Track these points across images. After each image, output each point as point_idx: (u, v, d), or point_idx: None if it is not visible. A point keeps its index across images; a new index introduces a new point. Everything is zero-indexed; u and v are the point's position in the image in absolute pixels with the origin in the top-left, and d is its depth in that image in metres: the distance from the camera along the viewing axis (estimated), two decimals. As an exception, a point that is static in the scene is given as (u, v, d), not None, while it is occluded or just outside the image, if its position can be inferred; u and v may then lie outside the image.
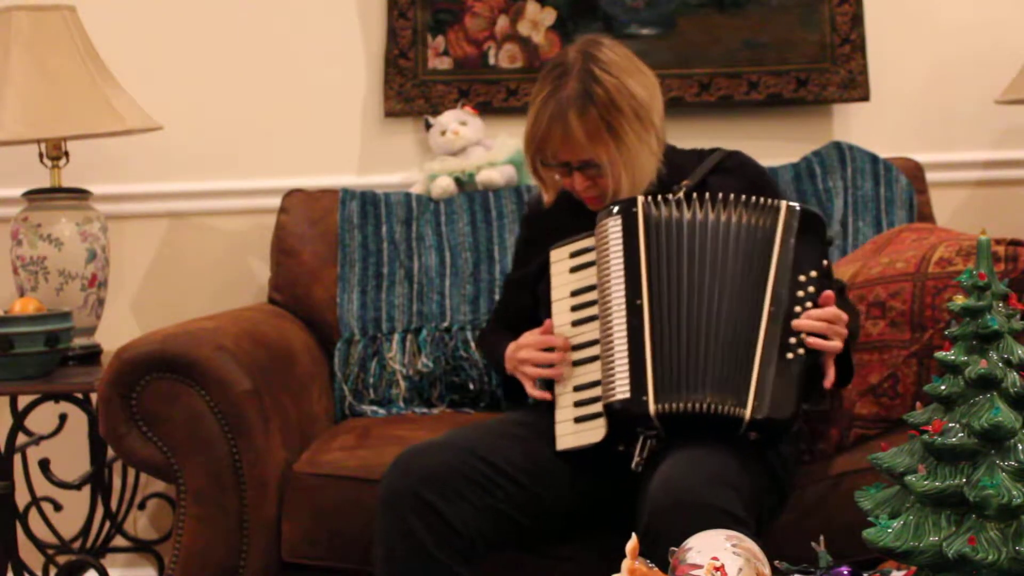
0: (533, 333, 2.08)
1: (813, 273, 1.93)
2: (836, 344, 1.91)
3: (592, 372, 1.97)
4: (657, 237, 1.96)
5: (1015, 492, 1.20)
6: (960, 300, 1.27)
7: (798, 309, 1.91)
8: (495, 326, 2.34)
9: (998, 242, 2.09)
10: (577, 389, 1.99)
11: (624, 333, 1.92)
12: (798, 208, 1.96)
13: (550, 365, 2.03)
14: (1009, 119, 2.99)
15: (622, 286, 1.94)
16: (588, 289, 2.02)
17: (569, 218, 2.12)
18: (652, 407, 1.88)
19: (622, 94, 2.01)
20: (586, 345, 2.00)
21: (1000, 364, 1.25)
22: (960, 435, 1.24)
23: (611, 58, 2.05)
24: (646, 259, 1.95)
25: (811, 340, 1.89)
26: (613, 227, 1.98)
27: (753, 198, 1.97)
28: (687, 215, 1.97)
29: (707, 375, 1.90)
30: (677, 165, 2.12)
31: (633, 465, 1.90)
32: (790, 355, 1.89)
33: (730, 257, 1.95)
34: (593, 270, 2.01)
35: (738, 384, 1.88)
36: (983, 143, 3.01)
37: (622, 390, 1.89)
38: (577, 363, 2.01)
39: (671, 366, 1.90)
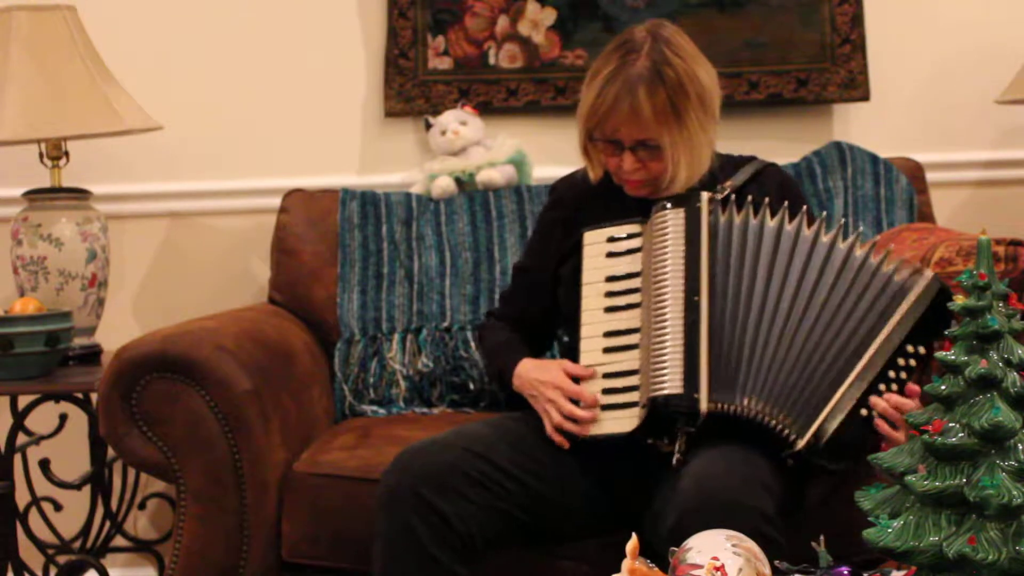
0: (565, 372, 2.00)
1: (922, 349, 1.89)
2: (900, 437, 1.84)
3: (625, 361, 1.95)
4: (725, 237, 1.94)
5: (1015, 492, 1.20)
6: (960, 300, 1.28)
7: (892, 375, 1.87)
8: (502, 321, 2.27)
9: (998, 242, 2.09)
10: (608, 376, 1.96)
11: (680, 326, 1.89)
12: (942, 284, 1.90)
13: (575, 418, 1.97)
14: (1009, 119, 2.99)
15: (680, 280, 1.92)
16: (628, 276, 1.99)
17: (603, 204, 2.10)
18: (704, 405, 1.85)
19: (691, 79, 1.99)
20: (620, 333, 1.97)
21: (1000, 364, 1.25)
22: (960, 435, 1.24)
23: (680, 42, 2.03)
24: (708, 257, 1.93)
25: (879, 423, 1.84)
26: (674, 220, 1.96)
27: (885, 252, 1.93)
28: (767, 222, 1.94)
29: (767, 386, 1.87)
30: (713, 166, 2.11)
31: (674, 461, 1.86)
32: (864, 412, 1.85)
33: (838, 288, 1.90)
34: (634, 258, 1.99)
35: (803, 410, 1.85)
36: (983, 143, 3.01)
37: (672, 384, 1.85)
38: (609, 350, 1.98)
39: (726, 366, 1.88)
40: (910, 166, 2.79)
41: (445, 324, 2.65)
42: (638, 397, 1.91)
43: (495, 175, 2.79)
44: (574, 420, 1.96)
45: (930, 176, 2.82)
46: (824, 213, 2.03)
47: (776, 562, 1.45)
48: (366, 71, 2.97)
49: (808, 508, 2.06)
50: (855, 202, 2.72)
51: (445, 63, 2.93)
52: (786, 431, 1.86)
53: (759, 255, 1.94)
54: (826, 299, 1.91)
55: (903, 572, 1.42)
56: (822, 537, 1.48)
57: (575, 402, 1.97)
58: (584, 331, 2.02)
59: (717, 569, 1.32)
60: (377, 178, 2.95)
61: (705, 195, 1.98)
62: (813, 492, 2.07)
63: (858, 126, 2.96)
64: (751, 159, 2.18)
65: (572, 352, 2.05)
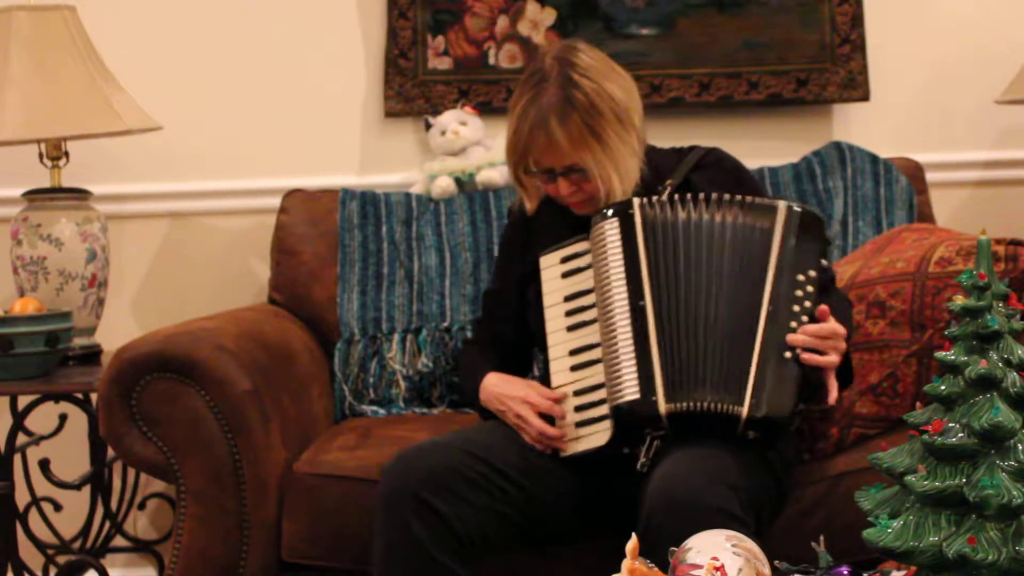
0: (538, 394, 2.01)
1: (812, 273, 1.93)
2: (833, 359, 1.90)
3: (592, 376, 1.97)
4: (655, 238, 1.96)
5: (1015, 492, 1.20)
6: (960, 300, 1.27)
7: (797, 308, 1.91)
8: (477, 344, 2.28)
9: (998, 242, 2.09)
10: (577, 394, 1.99)
11: (629, 335, 1.91)
12: (797, 208, 1.96)
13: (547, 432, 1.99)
14: (1009, 119, 2.99)
15: (624, 288, 1.94)
16: (583, 293, 2.01)
17: (553, 225, 2.12)
18: (663, 407, 1.87)
19: (602, 97, 2.01)
20: (584, 349, 1.99)
21: (1000, 364, 1.25)
22: (960, 435, 1.24)
23: (588, 62, 2.04)
24: (646, 261, 1.95)
25: (806, 356, 1.88)
26: (610, 230, 1.98)
27: (750, 199, 1.97)
28: (683, 216, 1.97)
29: (708, 374, 1.90)
30: (658, 165, 2.12)
31: (639, 466, 1.89)
32: (787, 355, 1.88)
33: (727, 257, 1.95)
34: (587, 274, 2.01)
35: (736, 383, 1.88)
36: (983, 143, 3.01)
37: (631, 391, 1.88)
38: (575, 368, 2.00)
39: (677, 366, 1.90)
40: (910, 166, 2.79)
41: (445, 324, 2.65)
42: (607, 410, 1.93)
43: (495, 175, 2.79)
44: (541, 445, 1.99)
45: (930, 176, 2.82)
46: (735, 197, 2.01)
47: (776, 562, 1.45)
48: (366, 71, 2.97)
49: (808, 508, 2.07)
50: (855, 202, 2.72)
51: (445, 63, 2.93)
52: (729, 408, 1.88)
53: (681, 249, 1.96)
54: (730, 273, 1.94)
55: (903, 572, 1.42)
56: (822, 537, 1.48)
57: (547, 419, 1.99)
58: (551, 352, 2.05)
59: (717, 569, 1.32)
60: (377, 178, 2.94)
61: (636, 201, 1.99)
62: (812, 491, 2.08)
63: (858, 126, 2.96)
64: (692, 148, 2.19)
65: (547, 372, 2.06)
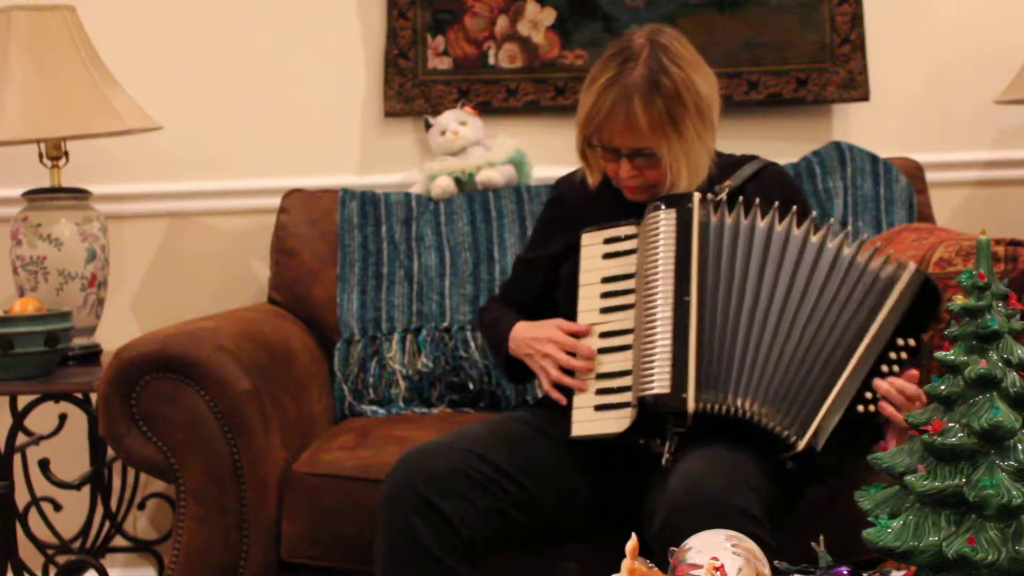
0: (561, 329, 2.03)
1: (912, 341, 1.90)
2: (901, 418, 1.84)
3: (619, 361, 1.95)
4: (715, 238, 1.94)
5: (1015, 492, 1.20)
6: (960, 300, 1.27)
7: (885, 369, 1.87)
8: (499, 303, 2.29)
9: (998, 242, 2.09)
10: (601, 377, 1.97)
11: (669, 327, 1.89)
12: (925, 274, 1.92)
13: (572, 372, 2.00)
14: (1009, 119, 2.99)
15: (671, 280, 1.92)
16: (623, 277, 1.99)
17: (601, 207, 2.10)
18: (691, 404, 1.85)
19: (688, 88, 1.99)
20: (615, 334, 1.98)
21: (1000, 364, 1.25)
22: (960, 435, 1.24)
23: (679, 50, 2.02)
24: (699, 257, 1.92)
25: (883, 404, 1.85)
26: (665, 220, 1.96)
27: (870, 247, 1.94)
28: (758, 223, 1.94)
29: (762, 386, 1.87)
30: (719, 166, 2.11)
31: (664, 461, 1.87)
32: (860, 408, 1.85)
33: (828, 287, 1.90)
34: (630, 259, 1.99)
35: (800, 410, 1.86)
36: (983, 143, 3.01)
37: (660, 384, 1.86)
38: (603, 351, 1.98)
39: (716, 366, 1.88)
40: (910, 166, 2.79)
41: (445, 324, 2.65)
42: (631, 397, 1.91)
43: (495, 175, 2.79)
44: (572, 375, 1.98)
45: (930, 176, 2.82)
46: (814, 213, 2.02)
47: (776, 562, 1.45)
48: (366, 71, 2.97)
49: (808, 508, 2.06)
50: (855, 202, 2.72)
51: (445, 63, 2.93)
52: (784, 432, 1.86)
53: (750, 255, 1.94)
54: (817, 298, 1.91)
55: (903, 572, 1.42)
56: (822, 537, 1.48)
57: (572, 356, 1.99)
58: None
59: (717, 569, 1.32)
60: (377, 178, 2.95)
61: (696, 195, 1.97)
62: (813, 492, 2.08)
63: (858, 126, 2.96)
64: (752, 158, 2.18)
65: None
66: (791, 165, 2.77)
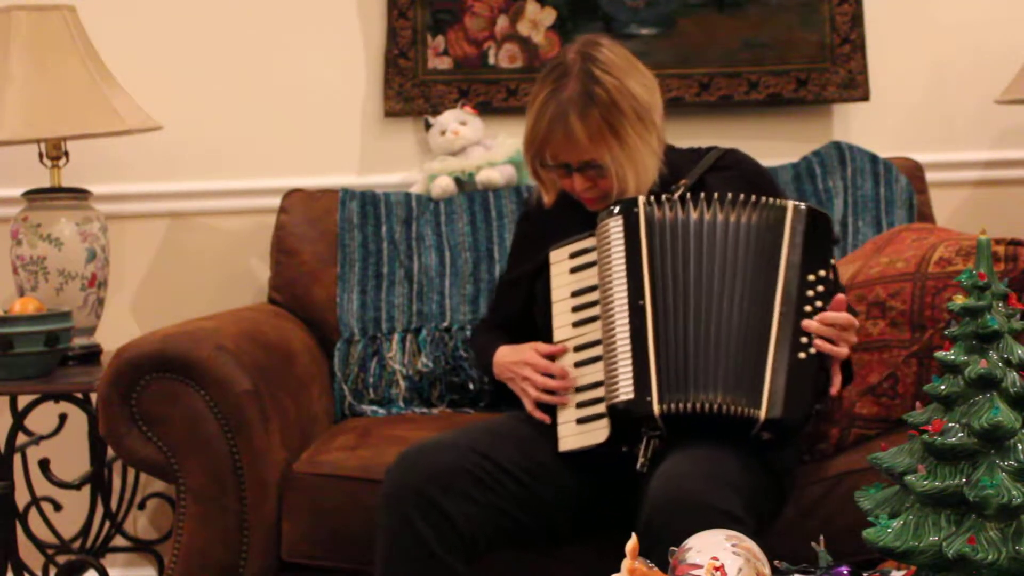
0: (537, 351, 2.05)
1: (823, 272, 1.93)
2: (844, 351, 1.90)
3: (594, 373, 1.97)
4: (660, 237, 1.96)
5: (1015, 492, 1.20)
6: (960, 300, 1.27)
7: (809, 308, 1.90)
8: (488, 327, 2.33)
9: (998, 242, 2.10)
10: (580, 390, 1.99)
11: (627, 334, 1.91)
12: (804, 207, 1.96)
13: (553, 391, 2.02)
14: (1009, 119, 2.99)
15: (624, 287, 1.94)
16: (589, 290, 2.01)
17: (568, 219, 2.12)
18: (656, 407, 1.87)
19: (623, 94, 2.01)
20: (588, 346, 1.99)
21: (1000, 364, 1.25)
22: (960, 435, 1.24)
23: (610, 58, 2.04)
24: (648, 260, 1.95)
25: (819, 343, 1.88)
26: (615, 227, 1.98)
27: (758, 198, 1.97)
28: (692, 215, 1.97)
29: (718, 375, 1.89)
30: (675, 164, 2.12)
31: (638, 466, 1.89)
32: (802, 355, 1.88)
33: (738, 258, 1.94)
34: (594, 270, 2.01)
35: (751, 384, 1.88)
36: (983, 143, 3.01)
37: (625, 391, 1.88)
38: (579, 364, 2.00)
39: (676, 367, 1.90)
40: (910, 166, 2.79)
41: (445, 324, 2.65)
42: (604, 408, 1.93)
43: (495, 175, 2.79)
44: (552, 394, 2.00)
45: (930, 176, 2.82)
46: (741, 196, 2.00)
47: (776, 562, 1.45)
48: (366, 71, 2.97)
49: (808, 508, 2.07)
50: (855, 202, 2.72)
51: (445, 63, 2.93)
52: (744, 411, 1.87)
53: (690, 249, 1.96)
54: (733, 273, 1.94)
55: (903, 572, 1.42)
56: (822, 537, 1.48)
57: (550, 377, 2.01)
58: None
59: (717, 569, 1.32)
60: (377, 178, 2.94)
61: (641, 199, 1.99)
62: (812, 491, 2.08)
63: (858, 126, 2.96)
64: (711, 149, 2.19)
65: None
66: (791, 165, 2.78)
